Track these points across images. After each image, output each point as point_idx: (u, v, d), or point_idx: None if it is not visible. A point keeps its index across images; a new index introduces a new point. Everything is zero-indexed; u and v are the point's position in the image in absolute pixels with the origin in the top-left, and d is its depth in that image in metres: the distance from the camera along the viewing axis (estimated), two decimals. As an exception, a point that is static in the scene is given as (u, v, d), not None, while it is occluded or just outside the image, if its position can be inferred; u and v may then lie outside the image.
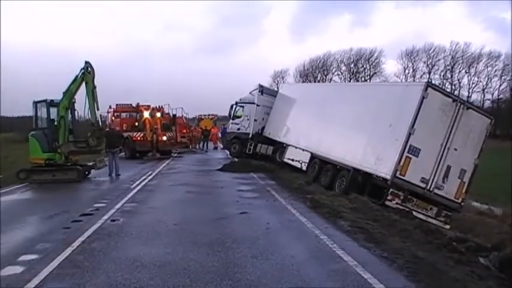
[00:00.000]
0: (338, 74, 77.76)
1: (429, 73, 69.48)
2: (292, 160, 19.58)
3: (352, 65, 76.03)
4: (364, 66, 75.65)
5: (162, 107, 29.05)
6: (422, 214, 12.90)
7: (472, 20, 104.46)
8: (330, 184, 15.55)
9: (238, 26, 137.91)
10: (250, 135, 25.01)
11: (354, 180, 14.22)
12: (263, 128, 24.66)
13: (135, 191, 14.02)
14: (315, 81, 73.13)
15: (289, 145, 20.45)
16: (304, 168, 18.32)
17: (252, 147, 24.54)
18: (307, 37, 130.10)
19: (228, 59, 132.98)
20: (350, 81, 72.96)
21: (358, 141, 14.52)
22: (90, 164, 17.77)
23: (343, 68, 77.51)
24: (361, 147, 14.22)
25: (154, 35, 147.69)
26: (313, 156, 17.58)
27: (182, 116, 34.44)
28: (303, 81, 74.20)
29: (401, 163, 12.43)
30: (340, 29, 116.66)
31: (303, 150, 18.56)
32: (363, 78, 73.37)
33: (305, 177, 17.27)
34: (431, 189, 12.83)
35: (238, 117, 26.50)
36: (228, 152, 28.12)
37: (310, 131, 18.36)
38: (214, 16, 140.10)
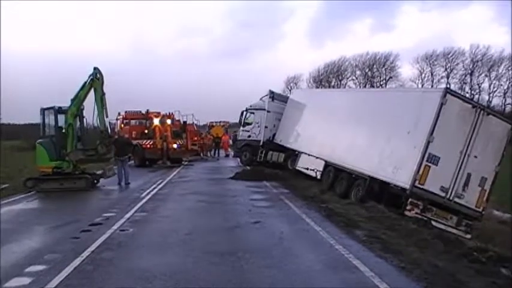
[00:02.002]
0: (353, 79, 77.50)
1: (447, 77, 68.79)
2: (307, 169, 19.55)
3: (367, 70, 75.70)
4: (380, 70, 75.27)
5: (172, 113, 29.25)
6: (442, 223, 12.79)
7: (499, 22, 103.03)
8: (345, 193, 15.53)
9: (256, 30, 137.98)
10: (261, 143, 25.08)
11: (370, 189, 14.17)
12: (274, 134, 24.71)
13: (145, 200, 14.09)
14: (329, 87, 72.85)
15: (301, 152, 20.51)
16: (318, 176, 18.36)
17: (263, 155, 24.62)
18: (325, 42, 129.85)
19: (243, 64, 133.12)
20: (365, 86, 72.67)
21: (375, 149, 14.46)
22: (99, 172, 17.86)
23: (358, 72, 77.25)
24: (377, 155, 14.17)
25: (167, 39, 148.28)
26: (328, 164, 17.58)
27: (193, 123, 34.59)
28: (316, 87, 73.95)
29: (421, 172, 12.35)
30: (359, 33, 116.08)
31: (316, 157, 18.58)
32: (378, 84, 73.04)
33: (319, 186, 17.30)
34: (451, 198, 12.72)
35: (249, 124, 26.61)
36: (239, 160, 28.20)
37: (323, 138, 18.36)
38: (232, 19, 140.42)
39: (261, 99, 26.73)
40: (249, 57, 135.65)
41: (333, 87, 73.71)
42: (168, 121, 27.59)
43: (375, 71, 75.45)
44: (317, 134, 19.25)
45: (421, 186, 12.46)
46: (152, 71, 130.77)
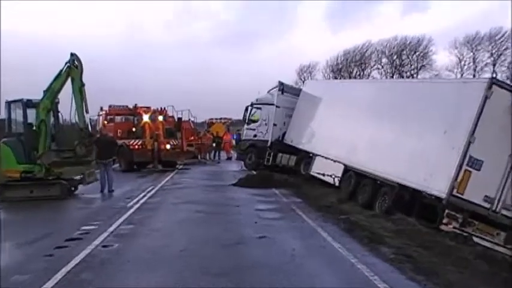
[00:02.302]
0: (378, 68, 76.65)
1: (494, 65, 67.01)
2: (323, 174, 19.60)
3: (395, 57, 74.69)
4: (410, 58, 74.28)
5: (165, 109, 29.34)
6: (486, 240, 12.59)
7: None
8: (368, 202, 15.53)
9: (266, 13, 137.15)
10: (269, 143, 25.33)
11: (398, 199, 14.07)
12: (284, 134, 24.93)
13: (132, 210, 14.15)
14: (349, 78, 72.59)
15: (316, 155, 20.68)
16: (336, 183, 18.37)
17: (271, 158, 24.89)
18: (346, 25, 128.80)
19: (249, 52, 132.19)
20: (392, 76, 72.15)
21: (404, 151, 14.37)
22: (78, 178, 17.73)
23: (384, 60, 76.21)
24: (407, 158, 14.07)
25: (163, 21, 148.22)
26: (348, 169, 17.63)
27: (189, 119, 34.71)
28: (335, 77, 73.65)
29: (459, 178, 12.16)
30: (387, 14, 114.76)
31: (334, 161, 18.69)
32: (408, 73, 72.34)
33: (338, 194, 17.39)
34: (497, 210, 12.50)
35: (255, 121, 26.86)
36: (243, 163, 28.39)
37: (342, 138, 18.48)
38: (238, 1, 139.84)
39: (268, 92, 26.89)
40: (257, 44, 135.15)
41: (355, 77, 73.48)
42: (160, 117, 27.66)
43: (405, 59, 74.11)
44: (335, 133, 19.27)
45: (460, 196, 12.27)
46: (143, 59, 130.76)
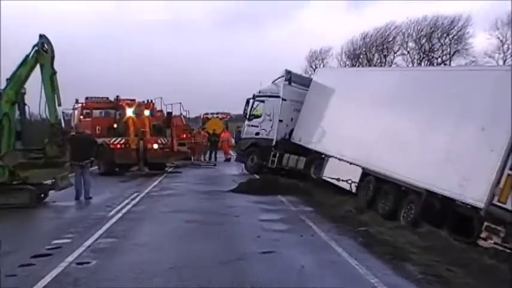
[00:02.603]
0: (403, 54, 75.48)
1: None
2: (337, 179, 19.61)
3: (423, 41, 73.39)
4: (442, 41, 73.09)
5: (152, 102, 29.49)
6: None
7: None
8: (391, 212, 15.49)
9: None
10: (274, 142, 25.57)
11: (427, 208, 13.99)
12: (291, 131, 25.12)
13: (113, 220, 14.18)
14: (369, 65, 72.22)
15: (329, 156, 20.76)
16: (353, 189, 18.40)
17: (276, 159, 25.07)
18: (366, 2, 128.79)
19: (251, 35, 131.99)
20: (420, 64, 71.45)
21: (433, 152, 14.25)
22: (48, 182, 17.64)
23: (411, 45, 74.83)
24: (437, 161, 13.95)
25: (152, 4, 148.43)
26: (366, 173, 17.70)
27: (181, 114, 34.98)
28: (352, 65, 73.17)
29: (501, 185, 11.97)
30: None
31: (350, 163, 18.74)
32: (439, 60, 71.44)
33: (355, 202, 17.44)
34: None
35: (257, 116, 27.02)
36: (243, 166, 28.47)
37: (360, 137, 18.54)
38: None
39: (273, 82, 27.00)
40: (260, 26, 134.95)
41: (375, 65, 73.07)
42: (147, 112, 27.84)
43: (435, 43, 72.53)
44: (351, 131, 19.29)
45: (502, 205, 12.07)
46: (128, 43, 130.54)
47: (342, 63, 76.58)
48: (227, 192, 20.23)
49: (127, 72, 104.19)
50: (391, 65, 70.65)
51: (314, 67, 74.20)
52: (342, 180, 19.25)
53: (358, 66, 72.00)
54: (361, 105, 19.38)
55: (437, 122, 14.65)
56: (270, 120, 26.08)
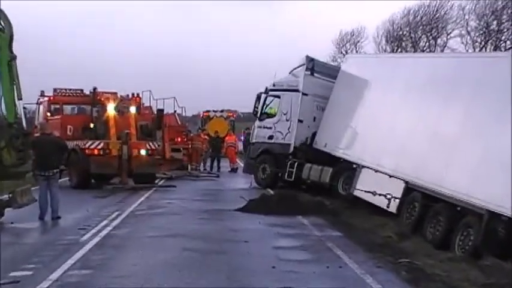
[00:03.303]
0: (461, 35, 73.25)
1: None
2: (373, 193, 19.44)
3: (488, 18, 71.26)
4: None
5: (138, 96, 29.48)
6: None
7: None
8: (443, 239, 15.21)
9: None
10: (292, 148, 25.73)
11: (490, 234, 13.71)
12: (314, 134, 25.16)
13: (88, 247, 14.00)
14: (414, 50, 71.20)
15: (363, 166, 20.76)
16: (393, 208, 18.23)
17: (294, 170, 25.06)
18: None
19: (265, 15, 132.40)
20: (483, 48, 70.06)
21: (500, 163, 13.98)
22: (5, 198, 17.68)
23: (473, 24, 72.70)
24: (505, 174, 13.61)
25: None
26: (411, 188, 17.54)
27: (175, 112, 35.08)
28: (392, 50, 72.59)
29: None
30: None
31: (391, 176, 18.65)
32: (508, 42, 69.84)
33: (396, 225, 17.46)
34: None
35: (271, 115, 27.18)
36: (253, 178, 28.47)
37: (404, 142, 18.51)
38: None
39: (291, 72, 27.08)
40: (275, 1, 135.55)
41: (423, 50, 72.12)
42: (132, 109, 27.77)
43: (505, 21, 71.13)
44: (392, 135, 19.23)
45: None
46: (108, 26, 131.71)
47: (380, 47, 75.25)
48: (233, 212, 20.13)
49: (112, 61, 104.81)
50: (443, 50, 69.22)
51: (344, 53, 73.14)
52: (379, 195, 19.07)
53: (401, 51, 70.92)
54: (405, 102, 19.40)
55: (506, 125, 14.19)
56: (287, 120, 26.13)
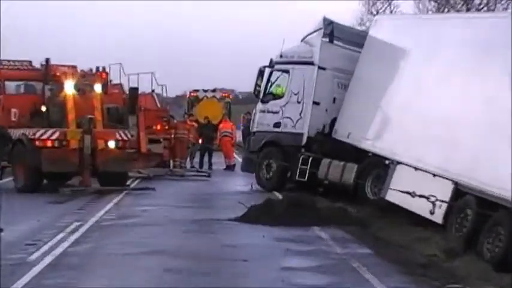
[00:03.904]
0: None
1: None
2: (411, 195, 19.32)
3: None
4: None
5: (105, 70, 29.42)
6: None
7: None
8: (505, 258, 15.04)
9: None
10: (305, 139, 25.79)
11: None
12: (334, 121, 25.23)
13: (38, 268, 13.78)
14: (467, 9, 70.87)
15: (398, 162, 20.86)
16: (438, 216, 18.15)
17: (308, 167, 25.12)
18: None
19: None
20: None
21: None
22: None
23: None
24: None
25: None
26: (462, 190, 17.51)
27: (153, 92, 35.07)
28: (438, 10, 72.35)
29: None
30: None
31: (435, 175, 18.66)
32: None
33: (442, 239, 17.33)
34: None
35: (277, 96, 27.31)
36: (256, 178, 28.57)
37: (453, 131, 18.52)
38: None
39: (304, 39, 27.08)
40: None
41: (478, 9, 71.84)
42: (97, 87, 27.63)
43: None
44: (437, 121, 19.26)
45: None
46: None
47: (420, 8, 74.70)
48: (229, 222, 20.12)
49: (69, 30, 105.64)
50: (507, 7, 69.04)
51: (373, 12, 72.81)
52: (419, 198, 18.99)
53: (448, 11, 70.62)
54: (457, 77, 19.18)
55: None
56: (299, 102, 26.13)
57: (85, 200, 24.28)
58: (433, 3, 71.93)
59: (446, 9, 69.91)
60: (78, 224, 19.11)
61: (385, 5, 74.67)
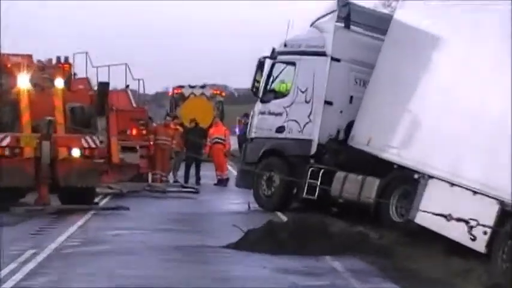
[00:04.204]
0: None
1: None
2: (446, 220, 19.01)
3: None
4: None
5: (67, 61, 29.46)
6: None
7: None
8: None
9: None
10: (315, 147, 25.72)
11: None
12: (351, 124, 25.06)
13: None
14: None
15: (430, 177, 20.89)
16: (481, 245, 18.04)
17: (318, 181, 24.98)
18: None
19: None
20: None
21: None
22: None
23: None
24: None
25: None
26: (508, 212, 17.64)
27: (127, 88, 35.54)
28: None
29: None
30: None
31: (475, 193, 18.75)
32: None
33: (486, 272, 17.09)
34: None
35: (280, 94, 27.35)
36: (254, 194, 28.43)
37: (498, 138, 18.56)
38: None
39: (313, 24, 27.07)
40: None
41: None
42: (58, 82, 27.56)
43: None
44: (479, 127, 19.28)
45: None
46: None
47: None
48: (222, 250, 19.96)
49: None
50: None
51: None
52: (456, 221, 18.75)
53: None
54: (505, 72, 18.87)
55: None
56: (307, 101, 26.12)
57: (42, 222, 24.17)
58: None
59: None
60: (33, 251, 18.82)
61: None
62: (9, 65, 27.50)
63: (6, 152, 25.98)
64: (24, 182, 26.36)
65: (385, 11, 31.87)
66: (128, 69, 34.19)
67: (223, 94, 46.22)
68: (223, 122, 42.22)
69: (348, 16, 25.18)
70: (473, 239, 18.09)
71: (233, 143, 41.24)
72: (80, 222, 24.25)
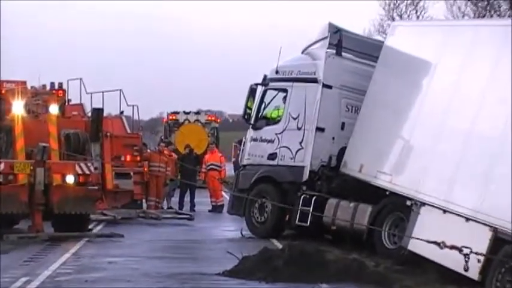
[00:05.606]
0: None
1: None
2: (439, 248, 18.44)
3: None
4: None
5: (62, 88, 29.36)
6: None
7: None
8: None
9: None
10: (307, 174, 25.54)
11: None
12: (343, 151, 24.96)
13: None
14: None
15: (423, 204, 20.76)
16: (474, 272, 17.85)
17: (311, 208, 24.81)
18: None
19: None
20: None
21: None
22: None
23: None
24: None
25: None
26: (502, 239, 17.55)
27: (122, 114, 35.40)
28: (474, 15, 72.36)
29: None
30: None
31: (467, 219, 18.61)
32: None
33: None
34: None
35: (271, 120, 27.38)
36: (246, 222, 28.28)
37: (491, 164, 18.47)
38: None
39: (305, 51, 27.02)
40: None
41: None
42: (52, 108, 27.45)
43: None
44: (470, 152, 19.30)
45: None
46: None
47: (455, 10, 74.57)
48: (217, 278, 19.84)
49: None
50: None
51: (398, 18, 72.75)
52: (448, 248, 18.09)
53: (492, 15, 70.76)
54: (498, 97, 18.80)
55: None
56: (299, 128, 26.02)
57: (36, 250, 23.89)
58: (470, 6, 71.93)
59: (488, 14, 69.77)
60: (26, 279, 18.69)
61: (410, 8, 74.61)
62: (3, 91, 27.36)
63: (0, 179, 25.73)
64: (18, 208, 25.99)
65: (379, 37, 31.73)
66: (122, 95, 34.02)
67: (218, 120, 46.19)
68: (218, 148, 42.08)
69: (339, 43, 25.21)
70: (467, 267, 17.68)
71: (228, 169, 41.15)
72: (73, 250, 24.03)
